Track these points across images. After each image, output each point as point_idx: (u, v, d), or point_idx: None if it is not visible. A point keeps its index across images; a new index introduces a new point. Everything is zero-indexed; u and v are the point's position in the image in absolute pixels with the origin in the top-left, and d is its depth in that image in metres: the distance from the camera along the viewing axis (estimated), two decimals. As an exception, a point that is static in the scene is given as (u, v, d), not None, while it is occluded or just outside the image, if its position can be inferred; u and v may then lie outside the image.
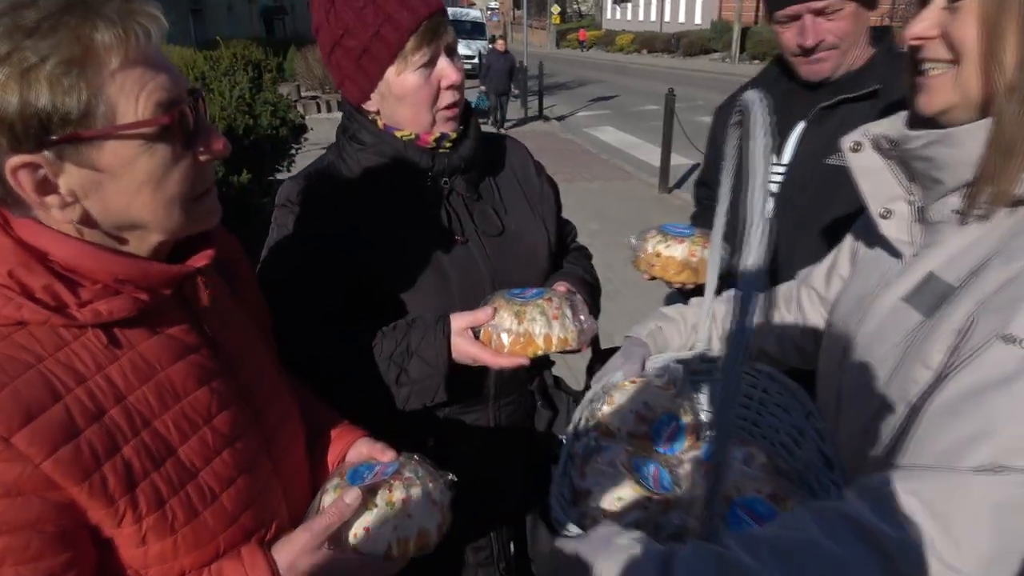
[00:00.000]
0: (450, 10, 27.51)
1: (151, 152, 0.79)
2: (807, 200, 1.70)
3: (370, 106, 1.36)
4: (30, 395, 0.73)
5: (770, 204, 1.78)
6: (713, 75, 24.46)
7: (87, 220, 0.80)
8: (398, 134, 1.35)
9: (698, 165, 9.56)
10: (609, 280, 5.79)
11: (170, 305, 0.89)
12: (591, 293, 1.53)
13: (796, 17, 1.63)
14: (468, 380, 1.35)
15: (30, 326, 0.77)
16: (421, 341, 1.27)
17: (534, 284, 1.41)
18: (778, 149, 1.78)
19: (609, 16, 55.09)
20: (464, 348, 1.26)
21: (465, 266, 1.39)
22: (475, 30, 26.36)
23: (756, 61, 27.19)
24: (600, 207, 8.30)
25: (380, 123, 1.37)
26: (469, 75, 23.93)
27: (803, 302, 1.38)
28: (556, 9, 49.67)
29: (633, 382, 1.30)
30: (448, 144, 1.38)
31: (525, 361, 1.23)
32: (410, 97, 1.30)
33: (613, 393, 1.28)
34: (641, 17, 48.79)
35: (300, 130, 6.51)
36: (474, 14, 28.93)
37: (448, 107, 1.34)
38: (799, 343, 1.38)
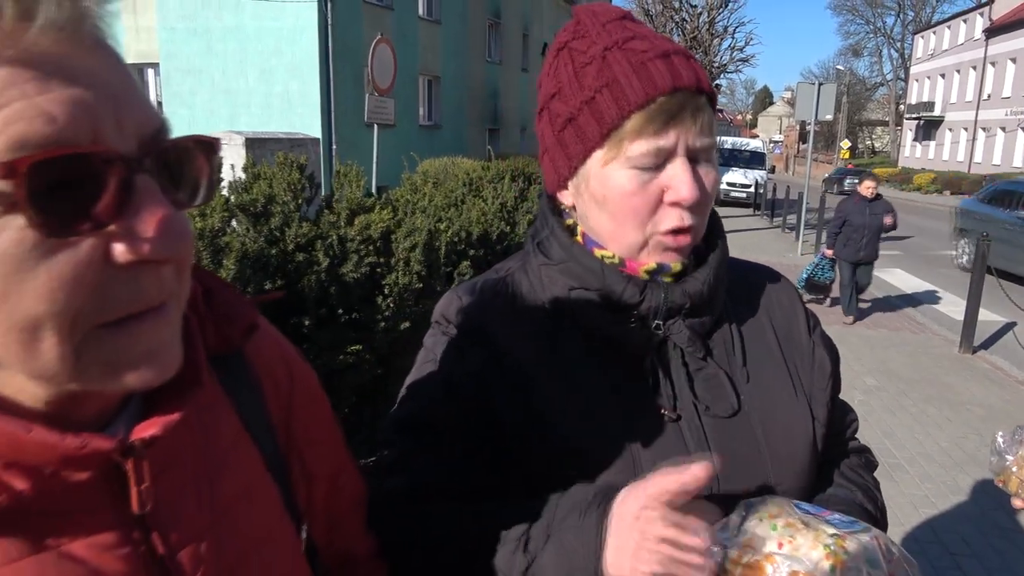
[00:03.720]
0: (729, 139, 27.86)
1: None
2: None
3: (565, 198, 0.97)
4: None
5: None
6: (1036, 223, 21.05)
7: None
8: (598, 253, 0.94)
9: (1014, 324, 8.04)
10: (888, 453, 4.74)
11: (93, 500, 0.52)
12: None
13: None
14: None
15: None
16: (565, 518, 0.80)
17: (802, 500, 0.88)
18: None
19: (907, 153, 51.17)
20: (628, 550, 0.73)
21: (667, 454, 0.88)
22: (754, 159, 25.77)
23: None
24: (881, 360, 7.09)
25: (580, 231, 0.98)
26: (741, 203, 23.79)
27: None
28: (846, 144, 47.34)
29: None
30: (668, 277, 0.93)
31: None
32: (613, 203, 0.88)
33: None
34: (945, 156, 44.61)
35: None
36: (755, 144, 28.37)
37: (670, 233, 0.89)
38: None
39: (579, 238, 0.97)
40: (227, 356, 0.65)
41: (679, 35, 15.74)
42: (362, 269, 3.17)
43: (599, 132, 0.87)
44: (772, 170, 33.62)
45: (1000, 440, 1.01)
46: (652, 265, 0.92)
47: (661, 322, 0.93)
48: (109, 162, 0.45)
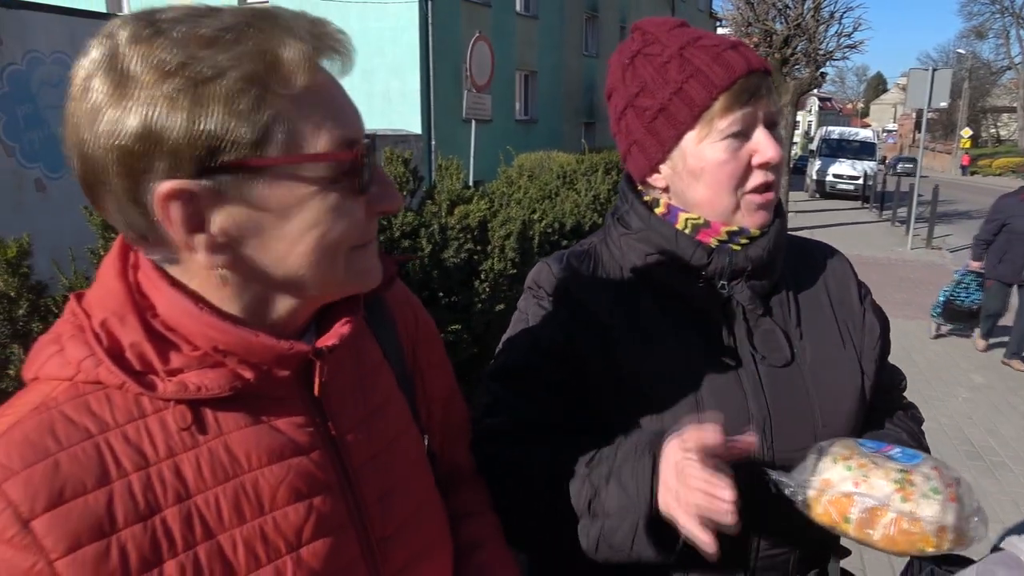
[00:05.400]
0: (838, 129, 26.58)
1: (325, 192, 0.66)
2: None
3: (657, 181, 1.11)
4: (71, 472, 0.60)
5: None
6: None
7: (235, 268, 0.67)
8: (683, 217, 1.08)
9: None
10: (992, 451, 4.59)
11: (289, 390, 0.72)
12: None
13: None
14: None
15: (108, 388, 0.65)
16: (625, 460, 0.94)
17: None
18: None
19: (1037, 142, 47.47)
20: (675, 465, 0.85)
21: (727, 399, 1.04)
22: (864, 150, 24.59)
23: None
24: (985, 358, 6.78)
25: (663, 203, 1.12)
26: (849, 196, 22.82)
27: None
28: (967, 132, 44.44)
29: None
30: (743, 241, 1.07)
31: (714, 554, 0.80)
32: (709, 173, 1.04)
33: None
34: (1083, 144, 41.09)
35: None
36: (864, 133, 27.08)
37: (758, 190, 1.04)
38: None
39: (660, 210, 1.12)
40: (371, 300, 0.85)
41: (782, 22, 15.25)
42: (461, 255, 3.39)
43: (691, 115, 1.02)
44: (883, 161, 32.04)
45: None
46: (736, 228, 1.06)
47: (726, 283, 1.08)
48: (369, 151, 0.69)
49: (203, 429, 0.67)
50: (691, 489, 0.83)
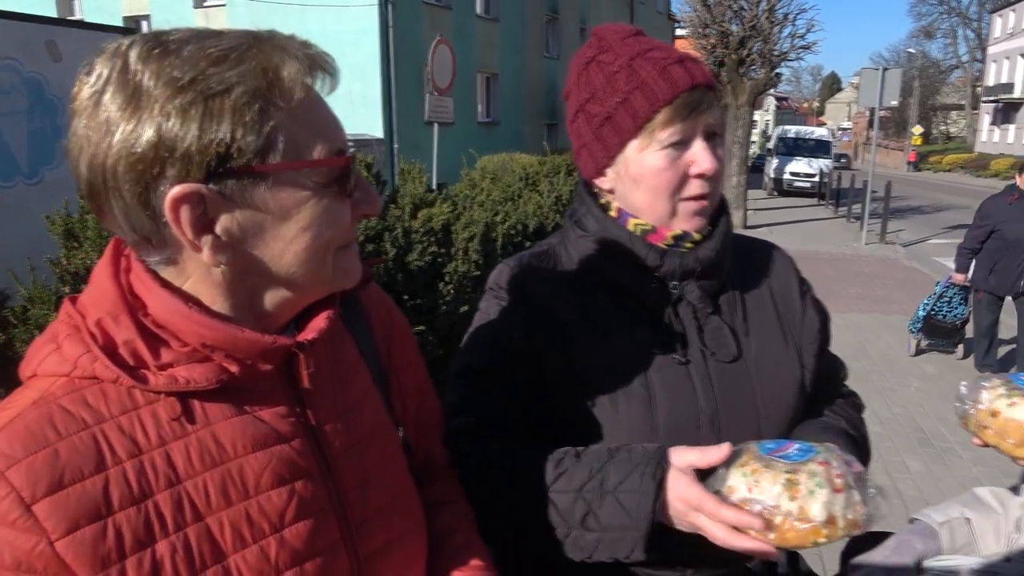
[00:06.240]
0: (794, 128, 27.08)
1: (320, 196, 0.73)
2: None
3: (604, 183, 1.17)
4: (69, 460, 0.65)
5: None
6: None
7: (235, 267, 0.72)
8: (632, 223, 1.15)
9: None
10: (942, 438, 4.76)
11: (272, 383, 0.78)
12: (858, 455, 1.12)
13: None
14: (671, 537, 1.03)
15: (103, 383, 0.69)
16: (623, 481, 0.99)
17: (772, 436, 1.07)
18: None
19: (984, 138, 49.00)
20: (682, 492, 0.94)
21: (678, 392, 1.10)
22: (819, 148, 25.17)
23: None
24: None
25: (614, 207, 1.18)
26: (805, 193, 23.34)
27: None
28: (918, 130, 45.71)
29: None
30: (689, 245, 1.14)
31: (775, 553, 0.90)
32: (648, 180, 1.09)
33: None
34: (1028, 140, 42.53)
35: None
36: (820, 132, 27.71)
37: (694, 198, 1.10)
38: None
39: (613, 213, 1.17)
40: (347, 300, 0.91)
41: (738, 24, 15.55)
42: (425, 258, 3.43)
43: (634, 125, 1.08)
44: (838, 159, 32.63)
45: (963, 389, 1.16)
46: (678, 231, 1.13)
47: (677, 283, 1.14)
48: (352, 158, 0.76)
49: (192, 419, 0.72)
50: (718, 526, 0.92)
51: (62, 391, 0.68)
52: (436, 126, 8.87)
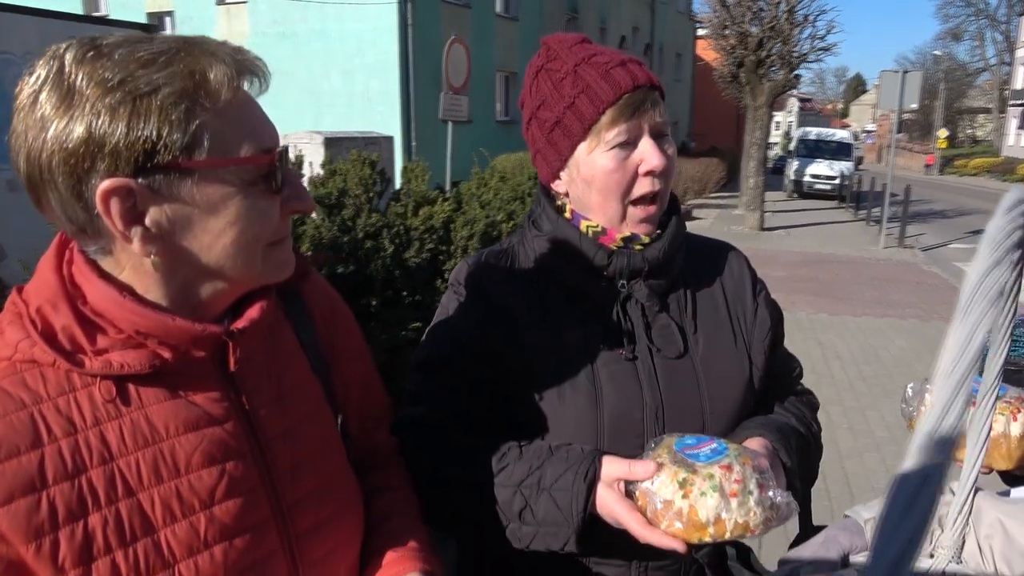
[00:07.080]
0: (815, 130, 26.73)
1: (246, 192, 0.77)
2: None
3: (559, 187, 1.22)
4: (6, 436, 0.70)
5: None
6: None
7: (166, 257, 0.77)
8: (584, 224, 1.18)
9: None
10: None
11: (206, 369, 0.82)
12: (803, 451, 1.15)
13: None
14: (609, 527, 1.07)
15: (42, 366, 0.74)
16: (558, 479, 1.04)
17: (718, 432, 1.10)
18: None
19: (1011, 142, 48.21)
20: (608, 506, 1.00)
21: (624, 387, 1.13)
22: (840, 150, 24.91)
23: None
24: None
25: (569, 208, 1.22)
26: (826, 196, 23.11)
27: None
28: (943, 133, 45.08)
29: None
30: (639, 246, 1.18)
31: (681, 548, 0.94)
32: (599, 181, 1.13)
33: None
34: (1056, 144, 41.81)
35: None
36: (841, 134, 27.42)
37: (642, 199, 1.14)
38: None
39: (567, 215, 1.21)
40: (288, 293, 0.97)
41: (756, 25, 15.44)
42: (424, 255, 3.47)
43: (581, 128, 1.12)
44: (859, 162, 32.15)
45: (909, 391, 1.18)
46: (627, 233, 1.16)
47: (625, 282, 1.17)
48: (281, 155, 0.80)
49: (127, 402, 0.77)
50: (618, 502, 0.99)
51: (3, 373, 0.73)
52: (450, 125, 8.92)
